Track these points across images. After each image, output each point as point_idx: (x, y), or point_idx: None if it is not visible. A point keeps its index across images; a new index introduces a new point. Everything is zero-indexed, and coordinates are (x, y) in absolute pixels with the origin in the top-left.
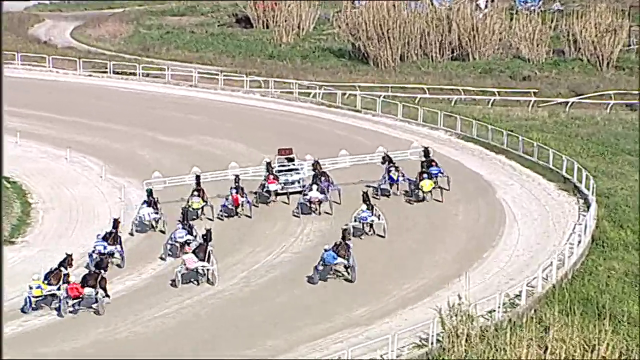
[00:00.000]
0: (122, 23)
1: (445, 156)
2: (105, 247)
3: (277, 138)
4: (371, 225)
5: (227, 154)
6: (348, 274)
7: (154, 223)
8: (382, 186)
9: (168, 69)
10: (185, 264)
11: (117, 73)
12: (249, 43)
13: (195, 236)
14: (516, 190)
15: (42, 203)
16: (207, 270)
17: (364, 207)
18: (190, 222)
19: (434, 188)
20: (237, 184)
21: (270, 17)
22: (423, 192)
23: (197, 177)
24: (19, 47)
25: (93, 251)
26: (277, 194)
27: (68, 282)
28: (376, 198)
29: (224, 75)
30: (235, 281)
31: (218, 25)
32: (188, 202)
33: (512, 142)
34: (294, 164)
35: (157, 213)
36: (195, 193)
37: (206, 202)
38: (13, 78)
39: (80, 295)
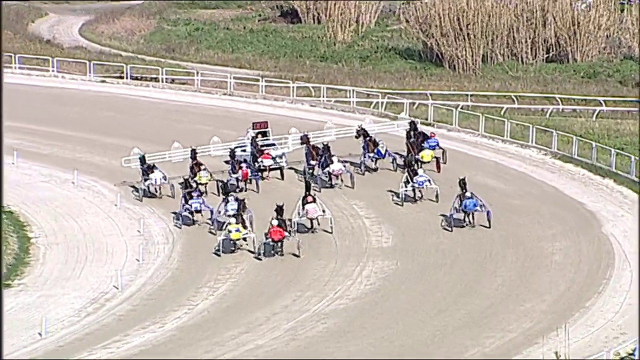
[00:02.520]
0: (142, 18)
1: (538, 180)
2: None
3: None
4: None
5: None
6: None
7: (161, 188)
8: (365, 162)
9: (197, 73)
10: (307, 214)
11: (136, 78)
12: (296, 42)
13: (246, 208)
14: (627, 223)
15: (43, 237)
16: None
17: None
18: (235, 194)
19: (436, 159)
20: (235, 159)
21: (322, 10)
22: (423, 162)
23: (194, 151)
24: (17, 46)
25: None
26: (270, 169)
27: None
28: (360, 174)
29: (266, 81)
30: (278, 334)
31: (258, 20)
32: (195, 176)
33: (622, 163)
34: (267, 139)
35: (165, 178)
36: (203, 167)
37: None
38: (10, 85)
39: (283, 238)
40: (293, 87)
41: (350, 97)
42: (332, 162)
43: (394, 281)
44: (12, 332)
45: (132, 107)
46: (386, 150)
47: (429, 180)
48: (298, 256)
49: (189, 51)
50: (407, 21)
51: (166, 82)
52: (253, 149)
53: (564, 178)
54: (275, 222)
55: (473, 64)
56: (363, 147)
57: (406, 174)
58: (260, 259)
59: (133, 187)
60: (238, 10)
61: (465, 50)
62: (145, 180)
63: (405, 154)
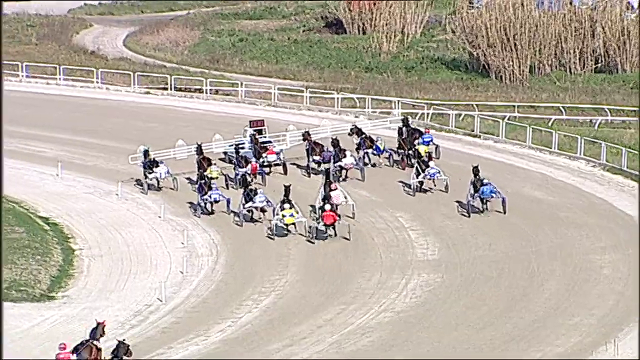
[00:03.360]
0: (186, 28)
1: (587, 192)
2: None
3: (372, 176)
4: None
5: (312, 189)
6: None
7: (166, 182)
8: (364, 159)
9: (241, 84)
10: (330, 201)
11: (180, 90)
12: (340, 52)
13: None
14: None
15: (87, 249)
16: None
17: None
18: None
19: (428, 153)
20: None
21: (367, 20)
22: (420, 156)
23: (200, 147)
24: (62, 58)
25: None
26: (275, 165)
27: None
28: (357, 169)
29: (310, 92)
30: (322, 347)
31: (303, 31)
32: (205, 171)
33: None
34: (264, 137)
35: (169, 172)
36: (213, 162)
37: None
38: (54, 96)
39: (335, 222)
40: (338, 98)
41: (395, 108)
42: (344, 157)
43: (440, 294)
44: (56, 345)
45: (176, 119)
46: (384, 147)
47: (439, 172)
48: (349, 239)
49: (233, 62)
50: (453, 31)
51: (210, 93)
52: (254, 146)
53: (612, 190)
54: (327, 207)
55: (520, 74)
56: (359, 145)
57: (416, 165)
58: (312, 242)
59: (137, 180)
60: (282, 21)
61: (512, 61)
62: (150, 174)
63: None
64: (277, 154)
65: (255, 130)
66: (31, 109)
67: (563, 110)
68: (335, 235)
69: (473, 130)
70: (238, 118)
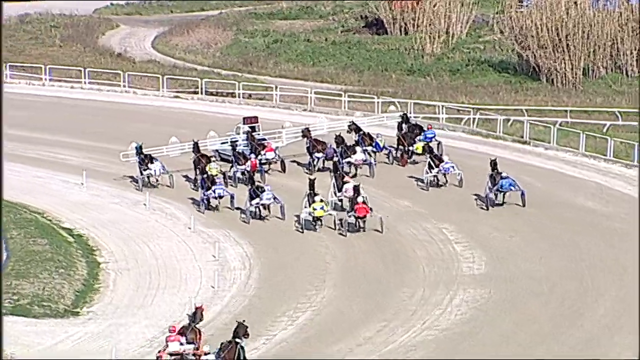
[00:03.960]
0: (218, 29)
1: None
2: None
3: (414, 184)
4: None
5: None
6: None
7: (161, 179)
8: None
9: (276, 88)
10: (346, 193)
11: (211, 94)
12: (381, 54)
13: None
14: None
15: (114, 263)
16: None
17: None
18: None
19: (430, 149)
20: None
21: (410, 20)
22: (417, 153)
23: (196, 145)
24: (87, 61)
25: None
26: (274, 162)
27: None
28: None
29: (349, 97)
30: None
31: (341, 31)
32: (205, 167)
33: None
34: (258, 134)
35: (165, 169)
36: (213, 159)
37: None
38: (80, 100)
39: (367, 214)
40: (378, 102)
41: (439, 113)
42: (354, 152)
43: (487, 311)
44: None
45: (207, 124)
46: (384, 144)
47: (454, 166)
48: (381, 232)
49: (267, 64)
50: (501, 32)
51: (243, 97)
52: (251, 143)
53: None
54: (360, 199)
55: (573, 77)
56: (356, 142)
57: (428, 160)
58: (344, 235)
59: (131, 177)
60: (319, 21)
61: (565, 63)
62: (145, 170)
63: (395, 146)
64: (275, 150)
65: (249, 127)
66: (55, 114)
67: (619, 115)
68: (364, 230)
69: (522, 137)
70: (272, 123)
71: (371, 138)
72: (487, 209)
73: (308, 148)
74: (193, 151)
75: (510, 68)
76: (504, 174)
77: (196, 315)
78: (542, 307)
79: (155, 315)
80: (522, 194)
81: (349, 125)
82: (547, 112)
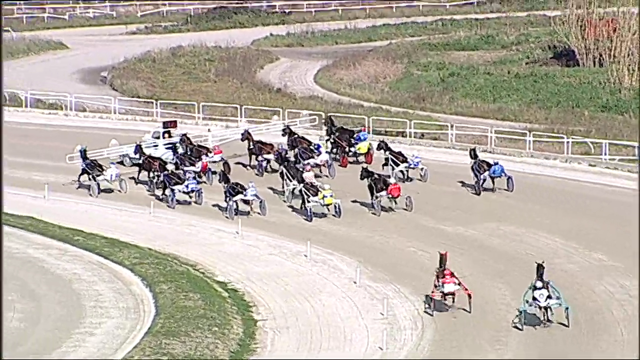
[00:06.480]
0: (387, 62)
1: None
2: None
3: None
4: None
5: (539, 251)
6: None
7: (115, 185)
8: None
9: (452, 126)
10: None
11: (379, 133)
12: (572, 88)
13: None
14: None
15: (272, 320)
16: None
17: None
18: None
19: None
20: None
21: (605, 49)
22: (359, 154)
23: (140, 147)
24: (244, 97)
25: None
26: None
27: None
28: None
29: (534, 136)
30: None
31: (526, 63)
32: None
33: None
34: (172, 137)
35: (119, 175)
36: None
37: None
38: (234, 142)
39: (400, 194)
40: (568, 142)
41: (638, 154)
42: (319, 154)
43: None
44: None
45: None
46: (326, 150)
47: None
48: (410, 210)
49: (441, 100)
50: None
51: (415, 137)
52: (187, 147)
53: None
54: (392, 180)
55: None
56: (291, 145)
57: (390, 156)
58: (377, 215)
59: (77, 181)
60: (502, 52)
61: None
62: (98, 176)
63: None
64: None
65: (165, 132)
66: None
67: None
68: (392, 210)
69: None
70: (445, 165)
71: (309, 142)
72: (479, 194)
73: (251, 150)
74: (137, 153)
75: None
76: (491, 162)
77: (442, 261)
78: None
79: None
80: (509, 179)
81: (283, 129)
82: None
